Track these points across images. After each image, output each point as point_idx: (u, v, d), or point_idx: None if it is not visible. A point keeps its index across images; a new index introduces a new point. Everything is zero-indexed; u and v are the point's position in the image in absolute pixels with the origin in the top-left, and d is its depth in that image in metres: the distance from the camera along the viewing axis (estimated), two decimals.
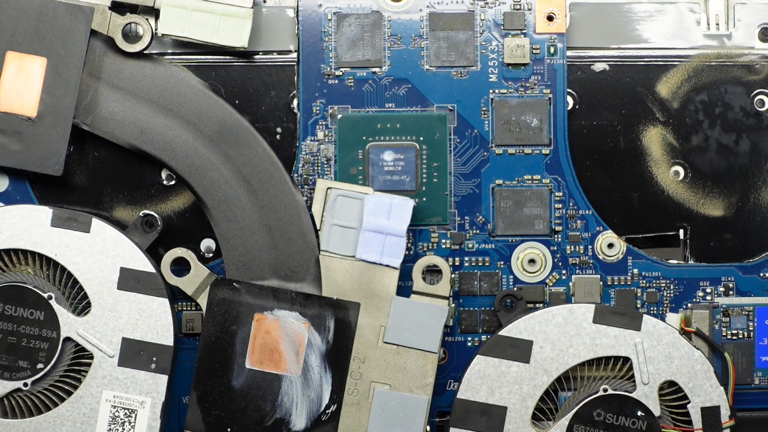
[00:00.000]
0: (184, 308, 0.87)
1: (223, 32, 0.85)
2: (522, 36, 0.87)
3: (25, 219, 0.83)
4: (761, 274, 0.88)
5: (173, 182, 0.87)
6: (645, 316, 0.84)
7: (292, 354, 0.83)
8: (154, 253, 0.86)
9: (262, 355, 0.83)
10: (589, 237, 0.88)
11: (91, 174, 0.87)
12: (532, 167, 0.87)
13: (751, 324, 0.88)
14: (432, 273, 0.86)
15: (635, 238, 0.88)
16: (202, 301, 0.84)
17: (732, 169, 0.88)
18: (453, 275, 0.87)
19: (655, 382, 0.84)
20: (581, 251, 0.88)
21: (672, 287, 0.88)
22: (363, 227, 0.84)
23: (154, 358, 0.83)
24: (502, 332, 0.84)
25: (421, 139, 0.87)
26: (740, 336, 0.88)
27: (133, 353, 0.83)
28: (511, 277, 0.87)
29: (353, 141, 0.87)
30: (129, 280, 0.83)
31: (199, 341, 0.84)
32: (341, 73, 0.87)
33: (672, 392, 0.84)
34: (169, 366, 0.83)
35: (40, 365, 0.83)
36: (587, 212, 0.88)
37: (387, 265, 0.84)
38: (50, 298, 0.83)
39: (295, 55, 0.87)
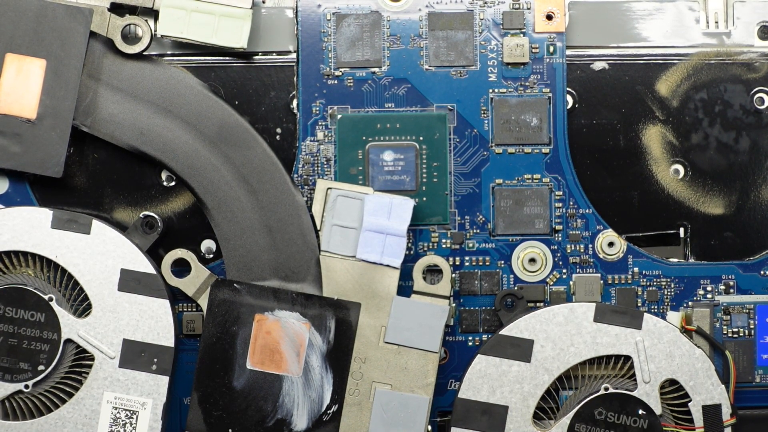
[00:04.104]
0: (185, 309, 0.87)
1: (222, 33, 0.85)
2: (521, 35, 0.87)
3: (26, 221, 0.83)
4: (762, 272, 0.88)
5: (173, 183, 0.87)
6: (646, 315, 0.84)
7: (293, 354, 0.83)
8: (155, 254, 0.86)
9: (263, 356, 0.83)
10: (589, 236, 0.88)
11: (91, 175, 0.87)
12: (532, 166, 0.87)
13: (751, 322, 0.88)
14: (432, 273, 0.86)
15: (635, 236, 0.88)
16: (203, 302, 0.84)
17: (732, 167, 0.88)
18: (453, 275, 0.87)
19: (656, 380, 0.84)
20: (582, 250, 0.88)
21: (672, 286, 0.88)
22: (363, 227, 0.84)
23: (155, 360, 0.83)
24: (503, 331, 0.84)
25: (421, 138, 0.87)
26: (741, 334, 0.88)
27: (134, 354, 0.83)
28: (512, 276, 0.87)
29: (353, 141, 0.87)
30: (129, 282, 0.83)
31: (200, 342, 0.84)
32: (341, 74, 0.87)
33: (673, 390, 0.84)
34: (170, 367, 0.83)
35: (41, 367, 0.83)
36: (587, 211, 0.88)
37: (387, 265, 0.84)
38: (51, 299, 0.83)
39: (294, 55, 0.87)
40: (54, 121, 0.84)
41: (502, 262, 0.87)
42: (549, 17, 0.87)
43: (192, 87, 0.85)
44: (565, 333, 0.84)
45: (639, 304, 0.88)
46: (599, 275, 0.87)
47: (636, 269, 0.88)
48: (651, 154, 0.88)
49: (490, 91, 0.87)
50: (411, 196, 0.86)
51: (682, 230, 0.89)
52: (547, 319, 0.84)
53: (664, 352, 0.84)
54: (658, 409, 0.83)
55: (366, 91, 0.87)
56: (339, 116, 0.87)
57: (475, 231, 0.87)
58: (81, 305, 0.84)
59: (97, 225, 0.83)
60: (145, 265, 0.83)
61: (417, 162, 0.87)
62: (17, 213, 0.83)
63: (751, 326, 0.88)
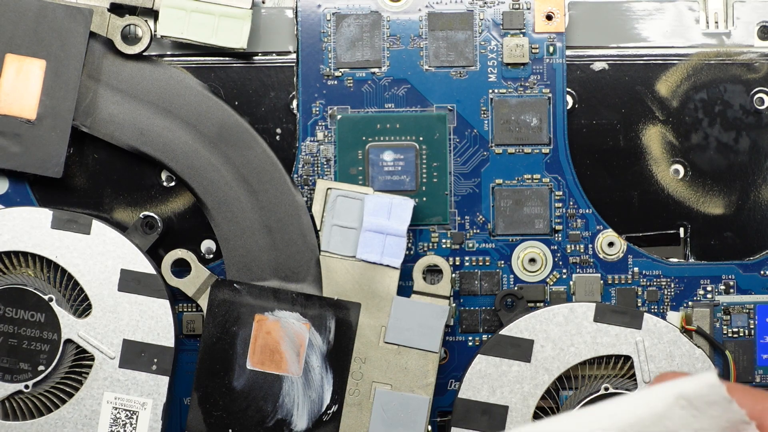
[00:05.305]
0: (185, 309, 0.87)
1: (222, 33, 0.85)
2: (521, 35, 0.87)
3: (26, 221, 0.83)
4: (761, 272, 0.88)
5: (173, 183, 0.87)
6: (646, 315, 0.84)
7: (293, 354, 0.83)
8: (155, 254, 0.86)
9: (263, 356, 0.83)
10: (589, 236, 0.88)
11: (91, 176, 0.87)
12: (532, 166, 0.87)
13: (751, 322, 0.88)
14: (432, 273, 0.86)
15: (635, 236, 0.88)
16: (203, 302, 0.84)
17: (732, 167, 0.88)
18: (453, 275, 0.87)
19: None
20: (582, 250, 0.88)
21: (672, 285, 0.88)
22: (363, 227, 0.84)
23: (155, 360, 0.83)
24: (503, 331, 0.84)
25: (421, 139, 0.87)
26: (741, 334, 0.88)
27: (134, 355, 0.83)
28: (512, 276, 0.87)
29: (353, 141, 0.87)
30: (129, 282, 0.83)
31: (200, 342, 0.84)
32: (340, 74, 0.87)
33: None
34: (170, 367, 0.83)
35: (41, 367, 0.83)
36: (587, 211, 0.88)
37: (387, 265, 0.84)
38: (51, 300, 0.83)
39: (294, 55, 0.87)
40: (54, 122, 0.84)
41: (502, 262, 0.87)
42: (549, 17, 0.87)
43: (192, 87, 0.85)
44: (565, 333, 0.84)
45: (639, 304, 0.88)
46: (599, 275, 0.87)
47: (636, 269, 0.88)
48: (651, 154, 0.88)
49: (490, 91, 0.87)
50: (411, 196, 0.86)
51: (682, 230, 0.89)
52: (547, 319, 0.84)
53: (664, 352, 0.84)
54: None
55: (366, 92, 0.87)
56: (339, 116, 0.87)
57: (475, 231, 0.87)
58: (81, 305, 0.84)
59: (97, 225, 0.84)
60: (145, 266, 0.83)
61: (417, 162, 0.87)
62: (17, 213, 0.83)
63: (751, 326, 0.88)
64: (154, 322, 0.83)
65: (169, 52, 0.87)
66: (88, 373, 0.83)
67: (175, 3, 0.84)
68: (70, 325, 0.83)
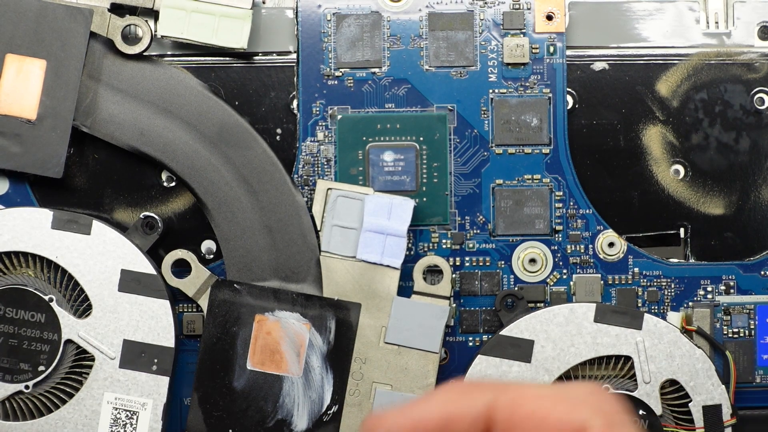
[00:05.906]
0: (185, 310, 0.87)
1: (222, 33, 0.85)
2: (521, 35, 0.87)
3: (26, 221, 0.83)
4: (762, 273, 0.88)
5: (173, 184, 0.87)
6: (646, 315, 0.84)
7: (293, 355, 0.83)
8: (155, 254, 0.86)
9: (263, 356, 0.83)
10: (589, 236, 0.88)
11: (92, 176, 0.87)
12: (532, 167, 0.87)
13: (752, 322, 0.88)
14: (433, 273, 0.86)
15: (636, 237, 0.88)
16: (203, 302, 0.84)
17: (732, 167, 0.88)
18: (454, 275, 0.87)
19: (657, 380, 0.84)
20: (582, 250, 0.88)
21: (673, 286, 0.88)
22: (363, 228, 0.84)
23: (156, 360, 0.83)
24: (504, 332, 0.84)
25: (421, 139, 0.87)
26: (741, 334, 0.88)
27: (135, 355, 0.83)
28: (512, 276, 0.87)
29: (353, 141, 0.87)
30: (130, 282, 0.83)
31: (200, 343, 0.84)
32: (341, 74, 0.87)
33: (673, 391, 0.84)
34: (170, 367, 0.83)
35: (41, 368, 0.83)
36: (588, 211, 0.88)
37: (388, 266, 0.84)
38: (51, 300, 0.83)
39: (294, 55, 0.87)
40: (54, 122, 0.84)
41: (503, 262, 0.87)
42: (549, 17, 0.87)
43: (192, 87, 0.85)
44: (565, 333, 0.84)
45: (639, 305, 0.88)
46: (599, 275, 0.87)
47: (636, 269, 0.88)
48: (651, 155, 0.88)
49: (491, 91, 0.87)
50: (411, 197, 0.85)
51: (682, 230, 0.89)
52: (547, 320, 0.84)
53: (664, 352, 0.84)
54: (658, 410, 0.83)
55: (366, 92, 0.87)
56: (339, 116, 0.87)
57: (475, 231, 0.87)
58: (81, 306, 0.84)
59: (97, 225, 0.83)
60: (145, 266, 0.83)
61: (417, 162, 0.87)
62: (17, 213, 0.83)
63: (752, 326, 0.88)
64: (155, 323, 0.83)
65: (169, 52, 0.87)
66: (88, 374, 0.83)
67: (175, 3, 0.84)
68: (70, 326, 0.83)
